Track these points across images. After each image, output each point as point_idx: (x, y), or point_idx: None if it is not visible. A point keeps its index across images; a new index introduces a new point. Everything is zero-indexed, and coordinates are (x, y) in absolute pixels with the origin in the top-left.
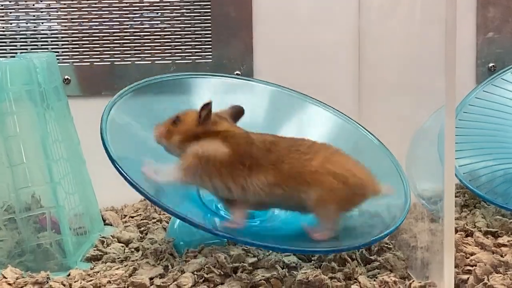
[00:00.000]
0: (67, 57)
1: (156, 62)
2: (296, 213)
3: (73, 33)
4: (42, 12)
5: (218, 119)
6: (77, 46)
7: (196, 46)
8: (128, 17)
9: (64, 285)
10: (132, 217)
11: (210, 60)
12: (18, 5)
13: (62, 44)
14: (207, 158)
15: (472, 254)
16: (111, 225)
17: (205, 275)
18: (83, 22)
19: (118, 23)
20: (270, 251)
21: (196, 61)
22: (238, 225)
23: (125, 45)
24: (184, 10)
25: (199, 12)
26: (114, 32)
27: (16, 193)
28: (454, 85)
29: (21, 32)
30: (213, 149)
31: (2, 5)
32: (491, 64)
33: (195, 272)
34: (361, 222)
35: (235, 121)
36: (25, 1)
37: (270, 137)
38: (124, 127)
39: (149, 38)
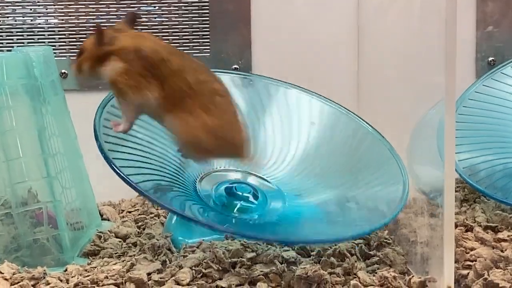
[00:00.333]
0: (64, 51)
1: None
2: (294, 207)
3: (70, 27)
4: (39, 5)
5: (117, 34)
6: (74, 39)
7: (194, 40)
8: (125, 11)
9: (61, 280)
10: (130, 212)
11: (208, 54)
12: None
13: (59, 38)
14: (113, 78)
15: (472, 249)
16: (108, 220)
17: (203, 270)
18: (80, 15)
19: (115, 16)
20: (269, 246)
21: (194, 55)
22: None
23: None
24: (182, 4)
25: (197, 6)
26: (111, 26)
27: (13, 187)
28: (454, 80)
29: (17, 26)
30: (113, 68)
31: None
32: (490, 58)
33: (193, 268)
34: (360, 215)
35: (132, 26)
36: None
37: (164, 53)
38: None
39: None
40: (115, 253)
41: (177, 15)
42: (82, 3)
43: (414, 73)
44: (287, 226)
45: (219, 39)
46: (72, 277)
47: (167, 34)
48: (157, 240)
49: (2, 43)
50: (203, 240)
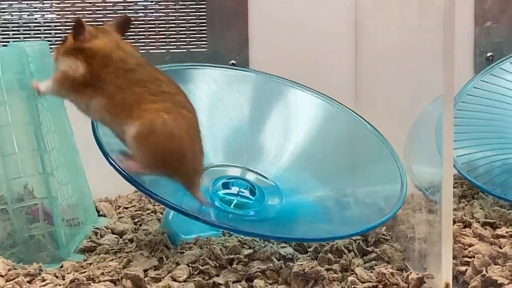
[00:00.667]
0: None
1: (151, 51)
2: (291, 203)
3: (66, 22)
4: (35, 1)
5: (98, 34)
6: None
7: (191, 36)
8: (122, 6)
9: (56, 276)
10: (126, 208)
11: (205, 50)
12: None
13: (55, 33)
14: (63, 74)
15: (470, 245)
16: (105, 216)
17: (200, 267)
18: (76, 11)
19: (111, 11)
20: (266, 243)
21: (191, 50)
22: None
23: None
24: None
25: (194, 1)
26: (108, 21)
27: (8, 183)
28: (453, 76)
29: (13, 21)
30: (70, 66)
31: None
32: (489, 54)
33: (190, 264)
34: (358, 212)
35: (122, 31)
36: None
37: (133, 64)
38: None
39: (144, 27)
40: (112, 250)
41: (174, 11)
42: None
43: (413, 69)
44: (285, 222)
45: (216, 35)
46: (68, 273)
47: (164, 29)
48: (154, 236)
49: None
50: (199, 236)
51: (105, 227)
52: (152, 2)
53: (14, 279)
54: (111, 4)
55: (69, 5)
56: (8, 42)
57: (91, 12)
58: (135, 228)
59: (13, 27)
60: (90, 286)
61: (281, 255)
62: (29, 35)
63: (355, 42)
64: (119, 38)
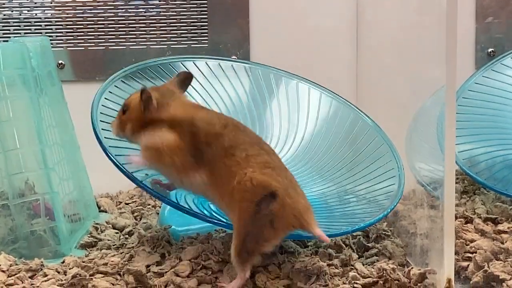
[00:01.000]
0: (61, 41)
1: (152, 47)
2: None
3: (67, 18)
4: None
5: (164, 100)
6: (71, 30)
7: (192, 31)
8: (123, 1)
9: (58, 272)
10: (127, 203)
11: (206, 45)
12: None
13: (56, 29)
14: (157, 148)
15: (472, 241)
16: (106, 212)
17: (203, 263)
18: (77, 6)
19: (112, 7)
20: None
21: (192, 45)
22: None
23: (120, 29)
24: None
25: None
26: (108, 17)
27: (9, 179)
28: (455, 71)
29: (14, 16)
30: (159, 137)
31: None
32: (490, 49)
33: (193, 260)
34: (359, 208)
35: (184, 88)
36: None
37: (218, 127)
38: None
39: (144, 23)
40: (113, 245)
41: (175, 6)
42: None
43: (414, 64)
44: None
45: (217, 29)
46: (69, 269)
47: (164, 24)
48: (156, 232)
49: None
50: (190, 227)
51: (106, 222)
52: None
53: (15, 274)
54: (111, 0)
55: (70, 0)
56: (9, 37)
57: (91, 7)
58: (136, 224)
59: (14, 22)
60: (92, 282)
61: (283, 248)
62: (30, 31)
63: (356, 37)
64: (185, 96)
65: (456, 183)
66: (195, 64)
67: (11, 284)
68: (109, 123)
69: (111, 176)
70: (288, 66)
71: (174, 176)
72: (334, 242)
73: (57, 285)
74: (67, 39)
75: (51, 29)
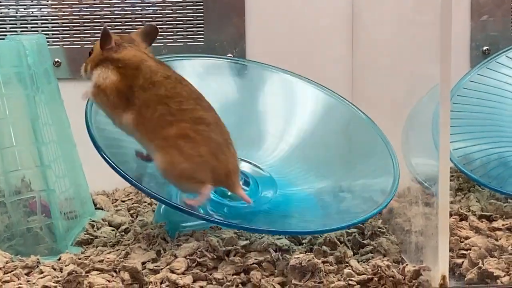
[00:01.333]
0: (57, 39)
1: None
2: (286, 195)
3: (63, 16)
4: None
5: (125, 44)
6: (68, 28)
7: (188, 29)
8: (119, 0)
9: (54, 269)
10: (123, 201)
11: (202, 43)
12: None
13: (53, 27)
14: (98, 85)
15: (466, 238)
16: (102, 209)
17: (198, 259)
18: (73, 4)
19: (109, 5)
20: (262, 234)
21: (188, 44)
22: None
23: (116, 27)
24: None
25: None
26: (104, 15)
27: (6, 176)
28: (449, 69)
29: (10, 14)
30: (104, 77)
31: None
32: (485, 47)
33: (188, 257)
34: (353, 205)
35: (149, 41)
36: None
37: (159, 76)
38: None
39: (141, 21)
40: (109, 242)
41: (171, 4)
42: None
43: (409, 62)
44: (279, 215)
45: (213, 28)
46: (66, 265)
47: (161, 22)
48: (152, 229)
49: None
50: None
51: (102, 219)
52: None
53: (12, 271)
54: None
55: None
56: (5, 35)
57: (88, 5)
58: (132, 221)
59: (10, 20)
60: (88, 278)
61: (277, 246)
62: (26, 29)
63: (351, 35)
64: (146, 48)
65: (451, 180)
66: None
67: (7, 281)
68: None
69: (107, 173)
70: (284, 64)
71: (109, 114)
72: (329, 239)
73: (53, 282)
74: (64, 37)
75: (47, 27)
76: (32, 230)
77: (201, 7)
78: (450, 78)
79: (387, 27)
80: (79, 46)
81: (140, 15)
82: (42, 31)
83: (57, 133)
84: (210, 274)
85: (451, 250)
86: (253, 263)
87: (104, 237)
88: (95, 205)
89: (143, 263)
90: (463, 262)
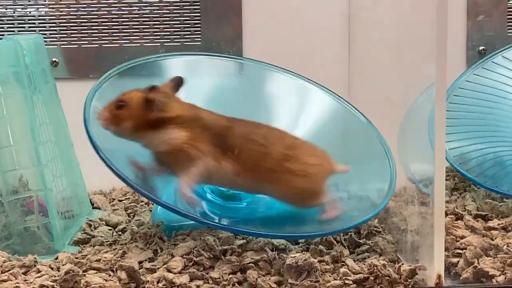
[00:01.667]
0: (55, 39)
1: (145, 44)
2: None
3: (60, 15)
4: None
5: (167, 99)
6: (65, 28)
7: (185, 29)
8: (116, 0)
9: (52, 268)
10: (120, 200)
11: (199, 43)
12: None
13: (50, 26)
14: (180, 145)
15: (462, 237)
16: (99, 208)
17: (195, 259)
18: (71, 4)
19: (106, 5)
20: None
21: (185, 43)
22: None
23: (113, 27)
24: None
25: None
26: (102, 14)
27: (3, 176)
28: (445, 69)
29: (8, 14)
30: (177, 136)
31: None
32: (481, 47)
33: (185, 256)
34: (350, 206)
35: (176, 91)
36: None
37: (223, 121)
38: None
39: (138, 21)
40: (106, 241)
41: (168, 4)
42: None
43: (405, 61)
44: (276, 216)
45: (210, 28)
46: (63, 265)
47: (158, 22)
48: (149, 228)
49: None
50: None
51: (99, 219)
52: None
53: (9, 270)
54: None
55: None
56: (3, 35)
57: (85, 5)
58: (129, 220)
59: (7, 20)
60: (85, 278)
61: (274, 245)
62: (23, 28)
63: (348, 35)
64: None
65: (446, 180)
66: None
67: (5, 280)
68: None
69: (104, 173)
70: (281, 63)
71: (202, 164)
72: (326, 238)
73: (51, 281)
74: (61, 37)
75: (44, 26)
76: (30, 229)
77: (198, 6)
78: (446, 78)
79: (384, 27)
80: (77, 46)
81: (137, 15)
82: (40, 30)
83: (55, 132)
84: (207, 273)
85: (446, 249)
86: (250, 262)
87: (101, 237)
88: (92, 204)
89: (140, 262)
90: (458, 261)
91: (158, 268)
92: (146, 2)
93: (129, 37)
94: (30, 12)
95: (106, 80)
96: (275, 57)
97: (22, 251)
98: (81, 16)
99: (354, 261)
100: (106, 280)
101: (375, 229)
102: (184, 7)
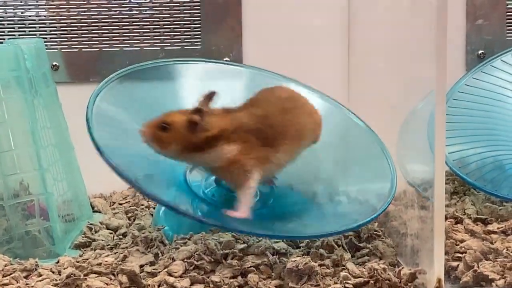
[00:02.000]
0: (55, 43)
1: (145, 48)
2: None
3: (61, 19)
4: None
5: (205, 117)
6: (66, 32)
7: (185, 33)
8: (117, 3)
9: (53, 272)
10: (121, 204)
11: (199, 47)
12: None
13: (50, 30)
14: (234, 160)
15: (462, 241)
16: (99, 212)
17: (196, 262)
18: (71, 8)
19: (106, 9)
20: (260, 238)
21: (185, 47)
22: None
23: (113, 31)
24: None
25: None
26: (102, 18)
27: (4, 180)
28: (445, 72)
29: (8, 18)
30: (228, 151)
31: None
32: (480, 51)
33: (186, 260)
34: (350, 209)
35: (209, 103)
36: None
37: (258, 110)
38: (110, 115)
39: (138, 24)
40: (107, 245)
41: (168, 8)
42: None
43: (405, 65)
44: (276, 219)
45: (210, 31)
46: (64, 268)
47: (158, 26)
48: (150, 232)
49: None
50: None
51: (99, 222)
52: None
53: (10, 274)
54: (106, 1)
55: (64, 2)
56: (4, 39)
57: (86, 9)
58: (129, 224)
59: (8, 24)
60: (86, 281)
61: (275, 249)
62: (24, 32)
63: (347, 38)
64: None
65: (446, 183)
66: (189, 67)
67: (6, 284)
68: (103, 125)
69: (104, 176)
70: (281, 67)
71: (257, 174)
72: (326, 242)
73: (52, 285)
74: (61, 41)
75: (45, 30)
76: (31, 233)
77: (199, 11)
78: (445, 82)
79: (383, 30)
80: (77, 50)
81: (138, 19)
82: (40, 34)
83: (55, 136)
84: (208, 277)
85: (446, 253)
86: (251, 266)
87: (102, 240)
88: (92, 208)
89: (141, 266)
90: (458, 265)
91: (159, 272)
92: (146, 6)
93: (129, 41)
94: (30, 16)
95: (108, 84)
96: (274, 61)
97: (23, 255)
98: (82, 20)
99: (355, 264)
100: (107, 284)
101: (375, 232)
102: (184, 11)
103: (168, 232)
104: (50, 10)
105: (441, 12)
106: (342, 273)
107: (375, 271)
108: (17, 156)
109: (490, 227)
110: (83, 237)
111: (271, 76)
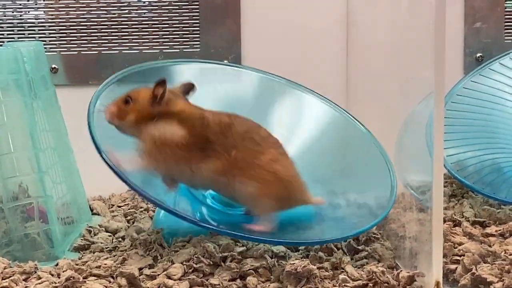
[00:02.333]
0: (54, 46)
1: (144, 51)
2: None
3: (60, 22)
4: (29, 0)
5: (173, 97)
6: (65, 35)
7: (184, 35)
8: (115, 6)
9: (52, 274)
10: (120, 206)
11: (198, 49)
12: None
13: (49, 33)
14: (163, 141)
15: (460, 244)
16: (98, 214)
17: (194, 265)
18: (70, 11)
19: (105, 11)
20: None
21: (184, 50)
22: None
23: (112, 34)
24: None
25: (187, 1)
26: (101, 21)
27: (4, 182)
28: (444, 75)
29: (7, 21)
30: (170, 132)
31: None
32: (478, 54)
33: (185, 262)
34: (349, 213)
35: (186, 95)
36: None
37: (226, 118)
38: None
39: (137, 27)
40: (106, 248)
41: (167, 10)
42: None
43: (403, 67)
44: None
45: (208, 33)
46: (63, 271)
47: (157, 29)
48: (149, 235)
49: None
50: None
51: (98, 225)
52: (145, 2)
53: (10, 277)
54: (104, 4)
55: (63, 5)
56: (3, 42)
57: (84, 11)
58: (128, 227)
59: (7, 27)
60: (85, 284)
61: (274, 252)
62: (23, 35)
63: (346, 40)
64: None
65: (444, 186)
66: (187, 68)
67: (5, 287)
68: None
69: (103, 179)
70: (279, 69)
71: (174, 169)
72: (326, 245)
73: None
74: (60, 44)
75: (44, 33)
76: (30, 236)
77: (197, 13)
78: (444, 85)
79: (381, 32)
80: (76, 52)
81: (137, 21)
82: (39, 37)
83: (55, 139)
84: (207, 280)
85: (444, 256)
86: (249, 269)
87: (101, 243)
88: (91, 210)
89: (140, 269)
90: (456, 268)
91: (158, 274)
92: (145, 9)
93: (128, 44)
94: (29, 19)
95: (108, 86)
96: (273, 63)
97: (23, 257)
98: (81, 23)
99: (353, 267)
100: (106, 287)
101: (373, 235)
102: (183, 14)
103: (167, 235)
104: (49, 13)
105: (439, 15)
106: (341, 276)
107: (374, 274)
108: (16, 159)
109: (488, 230)
110: (82, 239)
111: (271, 79)
